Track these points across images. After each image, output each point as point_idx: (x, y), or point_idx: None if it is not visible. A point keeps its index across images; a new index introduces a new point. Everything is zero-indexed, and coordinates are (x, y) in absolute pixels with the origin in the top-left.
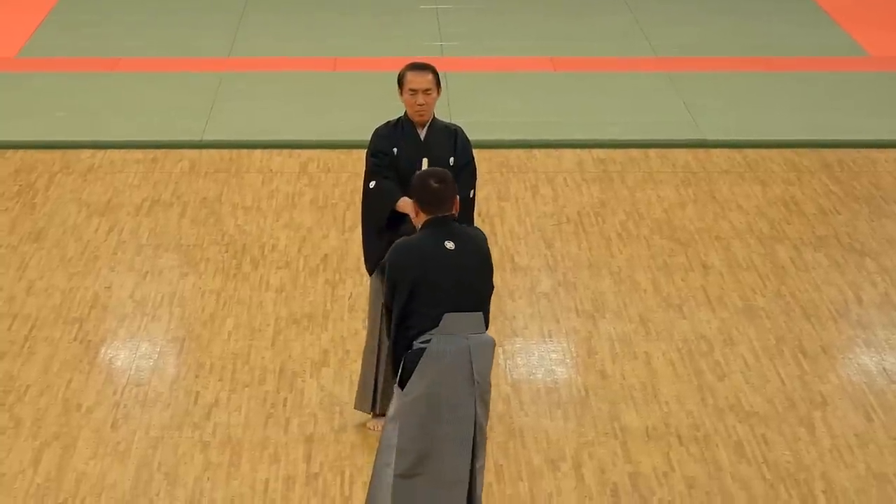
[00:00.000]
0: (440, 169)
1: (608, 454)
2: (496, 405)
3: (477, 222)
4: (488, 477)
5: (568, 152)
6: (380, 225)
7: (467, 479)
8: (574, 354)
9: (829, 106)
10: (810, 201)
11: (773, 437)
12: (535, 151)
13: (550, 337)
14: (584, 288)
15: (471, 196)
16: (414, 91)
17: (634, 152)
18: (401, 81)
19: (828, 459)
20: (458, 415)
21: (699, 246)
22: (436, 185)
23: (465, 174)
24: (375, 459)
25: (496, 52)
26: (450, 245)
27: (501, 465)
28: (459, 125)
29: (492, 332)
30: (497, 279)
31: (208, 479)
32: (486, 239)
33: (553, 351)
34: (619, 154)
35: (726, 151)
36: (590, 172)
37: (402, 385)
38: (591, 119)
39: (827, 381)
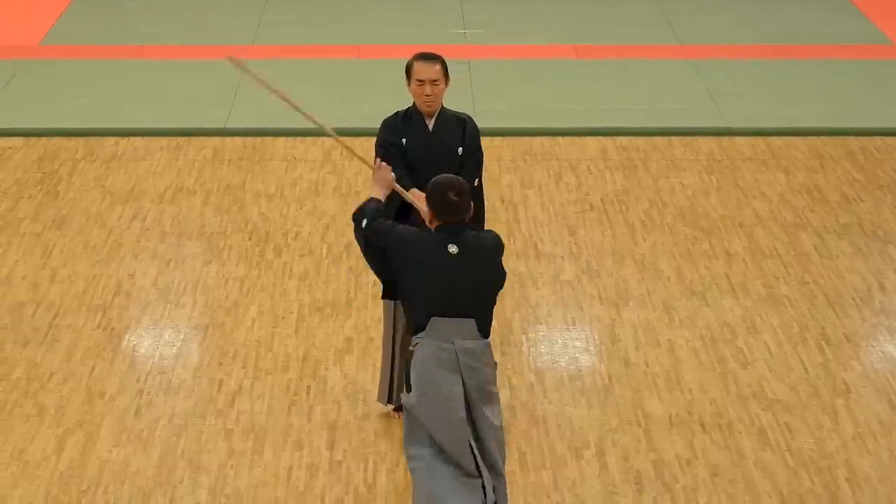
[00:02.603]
0: (456, 179)
1: (631, 442)
2: (519, 393)
3: (500, 209)
4: (511, 465)
5: (591, 140)
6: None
7: (477, 474)
8: (597, 342)
9: (853, 94)
10: (834, 189)
11: (797, 425)
12: (559, 139)
13: (574, 324)
14: (608, 275)
15: (476, 184)
16: (421, 81)
17: (658, 140)
18: (408, 72)
19: (851, 447)
20: (452, 420)
21: (722, 233)
22: (455, 198)
23: (472, 163)
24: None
25: (519, 39)
26: (453, 249)
27: (525, 453)
28: (470, 115)
29: (515, 319)
30: (521, 266)
31: (232, 466)
32: (500, 245)
33: (576, 339)
34: (642, 142)
35: (750, 139)
36: (613, 160)
37: (407, 387)
38: (615, 106)
39: (850, 369)
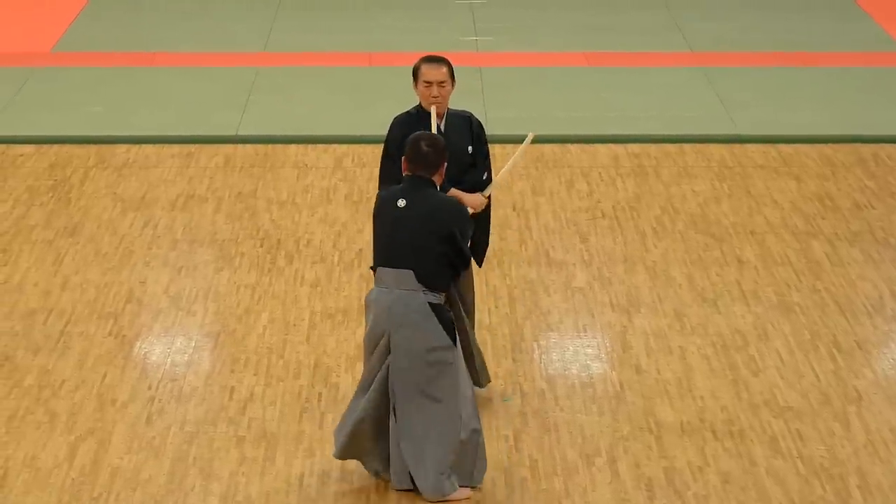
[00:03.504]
0: (436, 135)
1: (643, 449)
2: (531, 400)
3: (512, 217)
4: (523, 472)
5: (603, 147)
6: None
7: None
8: (609, 349)
9: (864, 101)
10: (845, 196)
11: (808, 432)
12: (570, 146)
13: (585, 332)
14: (619, 283)
15: (484, 178)
16: (429, 83)
17: (669, 147)
18: (416, 74)
19: (863, 455)
20: (374, 363)
21: (734, 241)
22: (426, 147)
23: (482, 159)
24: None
25: (531, 46)
26: (401, 203)
27: (536, 460)
28: (480, 120)
29: (527, 326)
30: (532, 274)
31: (243, 473)
32: (459, 214)
33: (588, 346)
34: (653, 149)
35: (761, 146)
36: (625, 167)
37: None
38: (626, 114)
39: (862, 377)
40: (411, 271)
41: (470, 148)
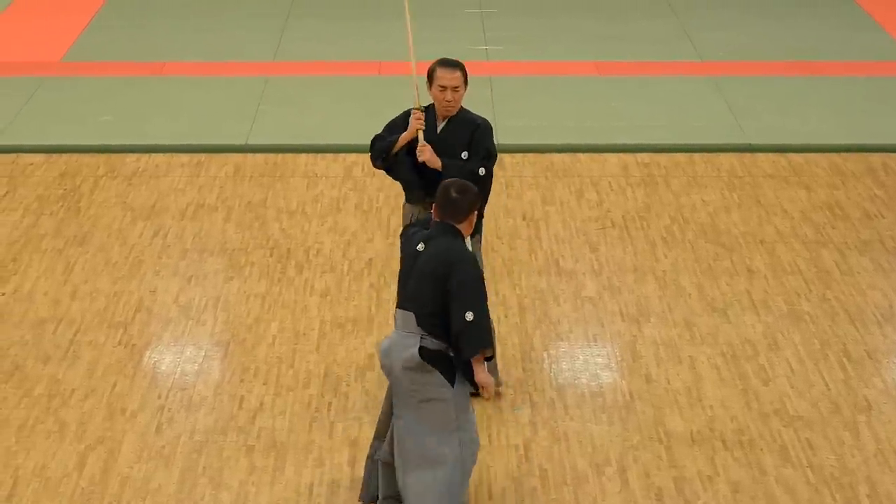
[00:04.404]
0: (467, 183)
1: (653, 458)
2: (541, 410)
3: (521, 226)
4: (533, 481)
5: (612, 156)
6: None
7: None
8: (619, 359)
9: (874, 110)
10: (855, 205)
11: (818, 442)
12: (580, 155)
13: (595, 341)
14: (629, 292)
15: (480, 173)
16: (443, 87)
17: (679, 156)
18: (431, 76)
19: (872, 464)
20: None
21: (744, 250)
22: (455, 194)
23: (477, 158)
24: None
25: (541, 55)
26: (420, 247)
27: (546, 470)
28: (488, 119)
29: (537, 336)
30: (542, 283)
31: (253, 483)
32: (465, 259)
33: (598, 355)
34: (663, 158)
35: (771, 156)
36: (634, 176)
37: None
38: (636, 123)
39: (872, 386)
40: (411, 313)
41: (465, 154)
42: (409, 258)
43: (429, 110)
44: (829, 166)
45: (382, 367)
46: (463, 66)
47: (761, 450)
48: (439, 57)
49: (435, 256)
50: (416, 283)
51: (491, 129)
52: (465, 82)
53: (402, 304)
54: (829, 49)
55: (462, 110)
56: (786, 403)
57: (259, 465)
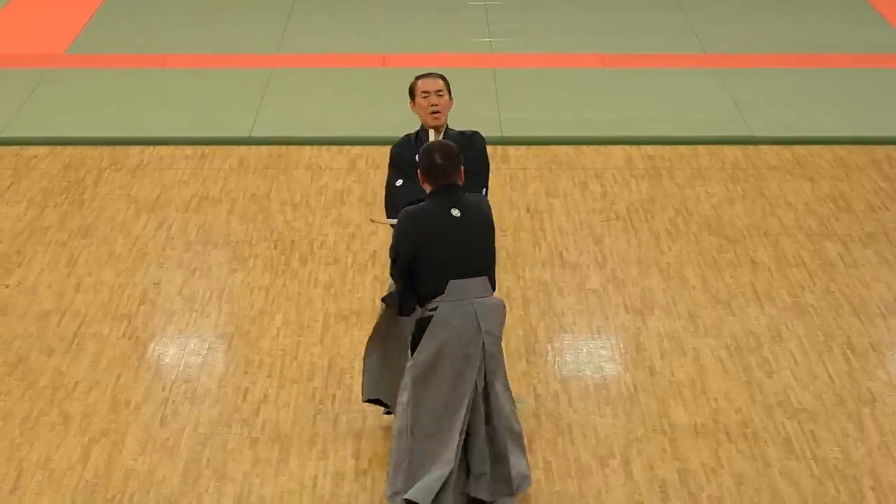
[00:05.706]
0: (446, 142)
1: (657, 451)
2: (545, 402)
3: (525, 218)
4: (537, 473)
5: (617, 149)
6: None
7: (461, 434)
8: (623, 351)
9: (878, 102)
10: (859, 198)
11: (822, 434)
12: (584, 148)
13: (599, 333)
14: (633, 284)
15: (483, 193)
16: (427, 93)
17: (683, 149)
18: (412, 91)
19: (876, 456)
20: (466, 375)
21: (748, 242)
22: (440, 161)
23: (475, 181)
24: (394, 425)
25: (545, 48)
26: (455, 213)
27: (550, 462)
28: (480, 130)
29: (541, 328)
30: (546, 275)
31: (257, 475)
32: (488, 205)
33: (602, 347)
34: (667, 150)
35: (775, 148)
36: (638, 169)
37: (412, 352)
38: (640, 115)
39: (876, 378)
40: (485, 277)
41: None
42: (444, 229)
43: (420, 135)
44: (833, 159)
45: (458, 339)
46: (445, 77)
47: (765, 442)
48: (444, 51)
49: (479, 220)
50: (477, 245)
51: (483, 140)
52: (450, 91)
53: (467, 272)
54: (833, 41)
55: (448, 127)
56: (790, 396)
57: (263, 458)
